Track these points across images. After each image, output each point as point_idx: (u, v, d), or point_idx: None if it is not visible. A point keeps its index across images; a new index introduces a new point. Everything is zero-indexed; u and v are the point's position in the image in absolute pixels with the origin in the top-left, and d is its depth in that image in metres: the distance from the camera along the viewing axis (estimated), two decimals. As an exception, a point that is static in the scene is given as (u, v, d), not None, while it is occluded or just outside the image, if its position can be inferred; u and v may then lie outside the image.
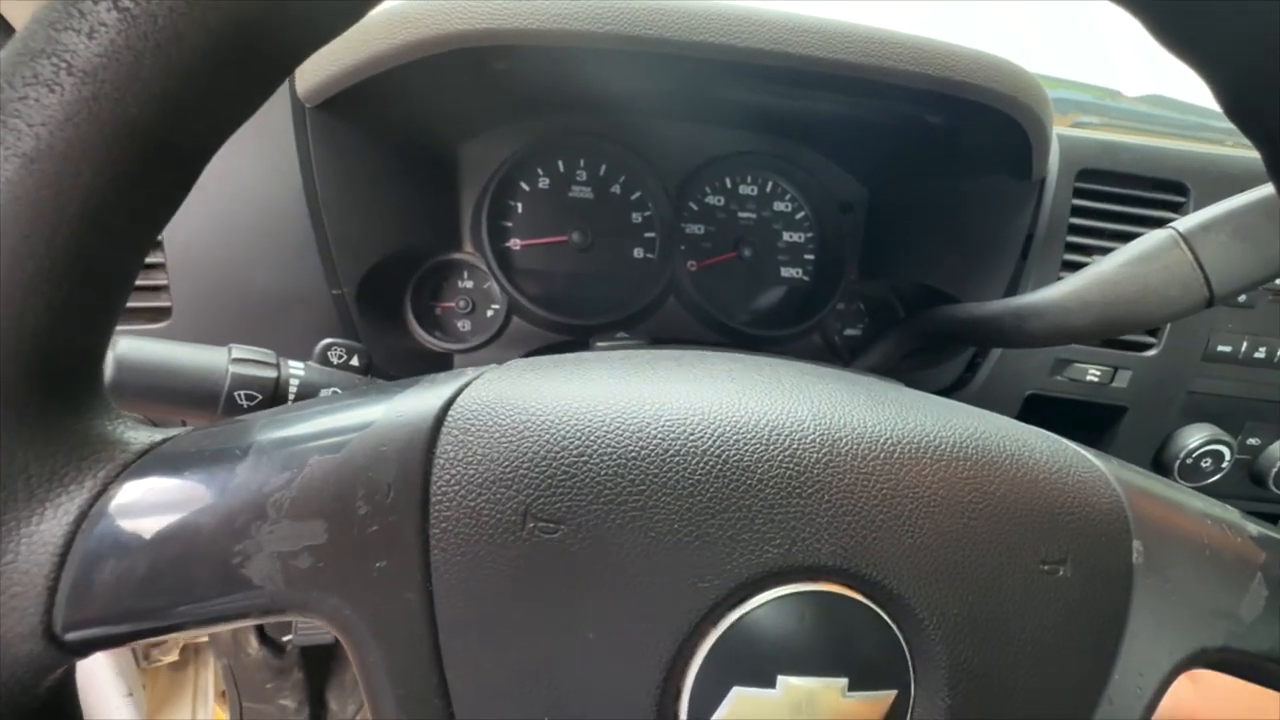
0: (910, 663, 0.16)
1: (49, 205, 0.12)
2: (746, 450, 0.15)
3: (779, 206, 0.50)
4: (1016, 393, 0.41)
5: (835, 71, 0.32)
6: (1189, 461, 0.42)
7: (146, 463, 0.14)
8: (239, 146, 0.30)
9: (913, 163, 0.44)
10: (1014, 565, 0.16)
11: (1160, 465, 0.44)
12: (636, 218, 0.48)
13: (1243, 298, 0.40)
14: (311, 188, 0.33)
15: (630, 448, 0.15)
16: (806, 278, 0.50)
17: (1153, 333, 0.41)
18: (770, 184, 0.49)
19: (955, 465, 0.16)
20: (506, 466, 0.15)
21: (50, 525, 0.13)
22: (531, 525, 0.14)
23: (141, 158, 0.13)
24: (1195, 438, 0.42)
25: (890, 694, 0.15)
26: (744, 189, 0.49)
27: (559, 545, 0.14)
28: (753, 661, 0.15)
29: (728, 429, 0.15)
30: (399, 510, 0.14)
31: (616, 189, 0.47)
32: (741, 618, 0.15)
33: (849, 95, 0.37)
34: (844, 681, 0.15)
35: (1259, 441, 0.43)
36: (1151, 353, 0.40)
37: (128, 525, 0.14)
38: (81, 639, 0.14)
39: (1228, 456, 0.42)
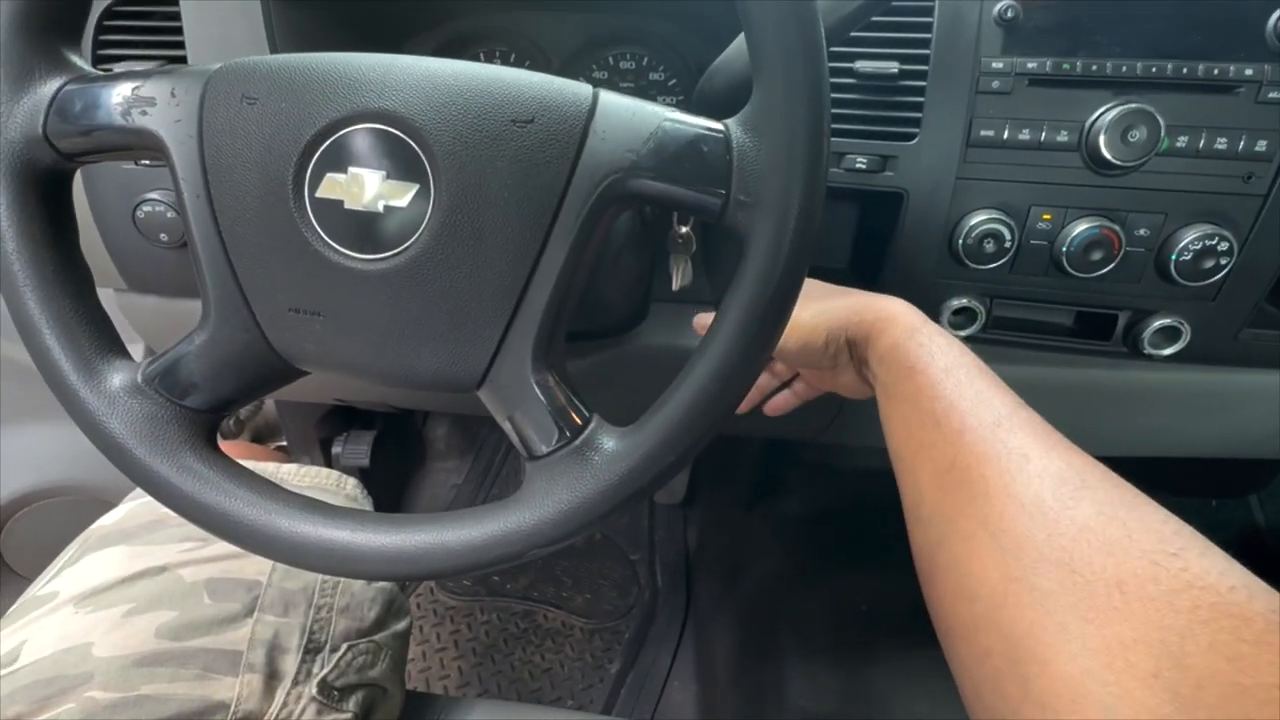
0: (427, 167, 0.28)
1: None
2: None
3: (653, 76, 0.61)
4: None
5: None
6: (970, 243, 0.48)
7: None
8: (222, 29, 0.48)
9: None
10: (494, 118, 0.28)
11: (952, 253, 0.49)
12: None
13: (996, 83, 0.46)
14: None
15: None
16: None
17: (914, 124, 0.47)
18: (645, 58, 0.61)
19: (466, 72, 0.29)
20: None
21: (47, 86, 0.30)
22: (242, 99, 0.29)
23: None
24: (974, 221, 0.48)
25: (415, 185, 0.28)
26: (623, 64, 0.62)
27: (254, 111, 0.29)
28: (337, 161, 0.29)
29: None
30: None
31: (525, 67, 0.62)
32: (335, 139, 0.29)
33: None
34: (383, 172, 0.28)
35: (1048, 225, 0.48)
36: (914, 142, 0.47)
37: (90, 88, 0.30)
38: (68, 148, 0.30)
39: (1009, 238, 0.47)
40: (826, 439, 0.66)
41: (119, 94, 0.30)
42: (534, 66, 0.62)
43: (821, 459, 1.17)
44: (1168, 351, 0.50)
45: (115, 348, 0.32)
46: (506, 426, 0.31)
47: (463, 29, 0.61)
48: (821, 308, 0.42)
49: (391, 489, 1.20)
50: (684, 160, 0.27)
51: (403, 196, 0.29)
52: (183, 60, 0.51)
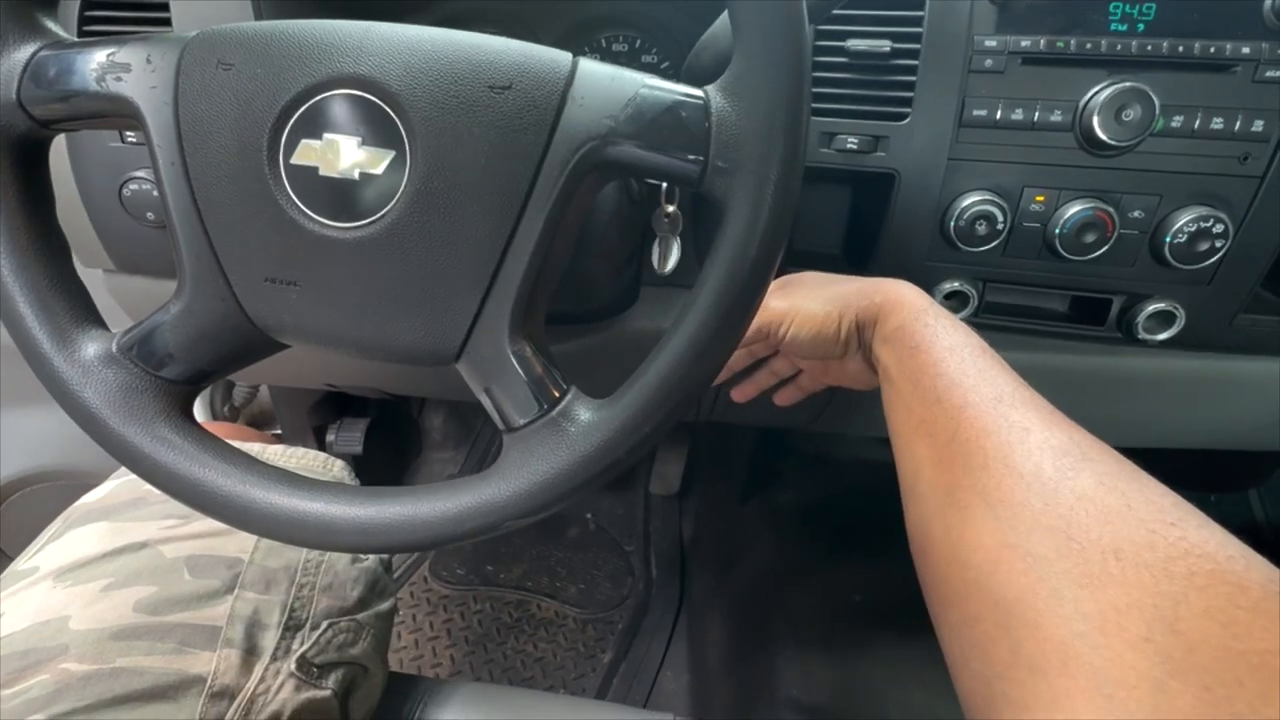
0: (403, 134, 0.28)
1: None
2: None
3: (645, 59, 0.61)
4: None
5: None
6: (962, 224, 0.47)
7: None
8: (207, 9, 0.48)
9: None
10: (470, 83, 0.28)
11: (944, 235, 0.49)
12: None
13: (989, 62, 0.45)
14: None
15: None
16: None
17: (905, 104, 0.47)
18: (638, 41, 0.61)
19: (443, 39, 0.28)
20: None
21: (21, 52, 0.30)
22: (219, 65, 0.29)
23: None
24: (966, 202, 0.47)
25: (390, 152, 0.28)
26: (616, 46, 0.61)
27: (229, 77, 0.29)
28: (312, 126, 0.28)
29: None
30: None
31: (515, 52, 0.61)
32: (310, 104, 0.28)
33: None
34: (358, 139, 0.28)
35: (1041, 206, 0.47)
36: (905, 121, 0.47)
37: (65, 53, 0.30)
38: (43, 115, 0.30)
39: (1001, 219, 0.47)
40: (819, 427, 0.66)
41: (94, 60, 0.30)
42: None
43: (817, 450, 1.17)
44: (1162, 337, 0.49)
45: (91, 317, 0.32)
46: (484, 399, 0.31)
47: (453, 11, 0.60)
48: (830, 294, 0.42)
49: (386, 477, 1.20)
50: (662, 126, 0.27)
51: (378, 164, 0.28)
52: (169, 35, 0.51)
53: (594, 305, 0.56)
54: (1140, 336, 0.49)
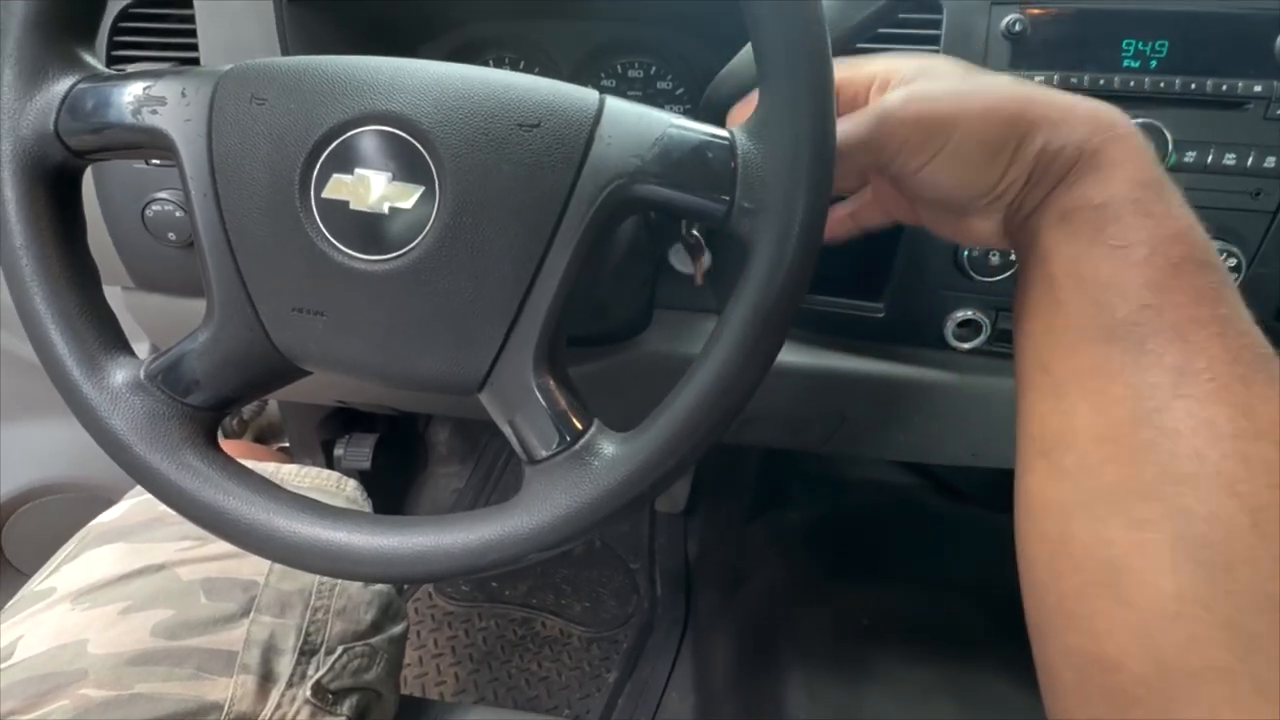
0: (432, 170, 0.28)
1: None
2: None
3: (661, 85, 0.62)
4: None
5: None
6: (974, 254, 0.47)
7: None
8: (234, 32, 0.49)
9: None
10: (500, 121, 0.28)
11: (958, 265, 0.49)
12: (546, 97, 0.62)
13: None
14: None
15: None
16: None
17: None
18: (653, 67, 0.62)
19: (474, 76, 0.29)
20: None
21: (60, 84, 0.30)
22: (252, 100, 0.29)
23: None
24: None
25: (420, 187, 0.28)
26: (631, 73, 0.62)
27: (262, 112, 0.29)
28: (344, 162, 0.29)
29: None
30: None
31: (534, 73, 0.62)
32: (342, 140, 0.29)
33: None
34: (389, 174, 0.28)
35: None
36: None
37: (102, 87, 0.31)
38: (79, 145, 0.30)
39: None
40: (829, 449, 0.66)
41: (130, 93, 0.31)
42: (543, 73, 0.63)
43: (825, 469, 1.17)
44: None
45: (119, 344, 0.32)
46: (507, 430, 0.31)
47: (475, 35, 0.61)
48: (997, 98, 0.26)
49: (392, 492, 1.20)
50: (689, 166, 0.27)
51: (408, 198, 0.29)
52: (196, 62, 0.52)
53: (608, 329, 0.56)
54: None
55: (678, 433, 0.28)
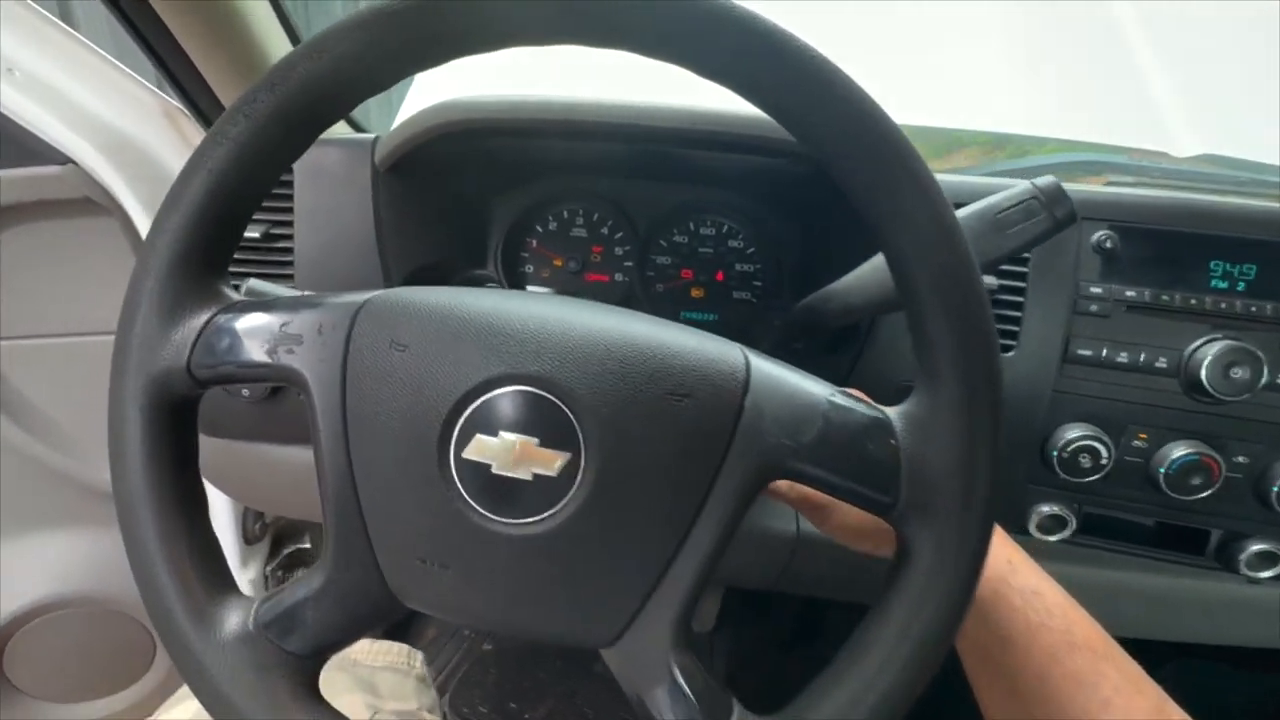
0: (580, 437, 0.28)
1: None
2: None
3: (732, 244, 0.63)
4: (890, 386, 0.50)
5: (706, 137, 0.46)
6: (1065, 456, 0.47)
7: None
8: (339, 198, 0.50)
9: (820, 197, 0.55)
10: (650, 390, 0.28)
11: (1045, 462, 0.49)
12: (618, 251, 0.63)
13: (1094, 307, 0.46)
14: (379, 227, 0.53)
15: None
16: (754, 300, 0.62)
17: (1011, 336, 0.48)
18: (725, 225, 0.63)
19: (619, 336, 0.29)
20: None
21: (197, 319, 0.30)
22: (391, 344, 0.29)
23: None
24: (1070, 434, 0.47)
25: (567, 454, 0.28)
26: (704, 230, 0.63)
27: (402, 360, 0.29)
28: (487, 422, 0.28)
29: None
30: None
31: (604, 230, 0.64)
32: (486, 399, 0.28)
33: (746, 153, 0.50)
34: (536, 439, 0.28)
35: (1144, 444, 0.47)
36: (1010, 354, 0.48)
37: (237, 321, 0.30)
38: (206, 378, 0.30)
39: (1105, 454, 0.47)
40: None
41: (268, 329, 0.30)
42: (619, 229, 0.65)
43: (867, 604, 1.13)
44: (1266, 575, 0.48)
45: (225, 583, 0.31)
46: (633, 698, 0.29)
47: (553, 190, 0.63)
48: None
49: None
50: (849, 455, 0.27)
51: (552, 465, 0.28)
52: (289, 232, 0.52)
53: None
54: (1243, 572, 0.49)
55: None
